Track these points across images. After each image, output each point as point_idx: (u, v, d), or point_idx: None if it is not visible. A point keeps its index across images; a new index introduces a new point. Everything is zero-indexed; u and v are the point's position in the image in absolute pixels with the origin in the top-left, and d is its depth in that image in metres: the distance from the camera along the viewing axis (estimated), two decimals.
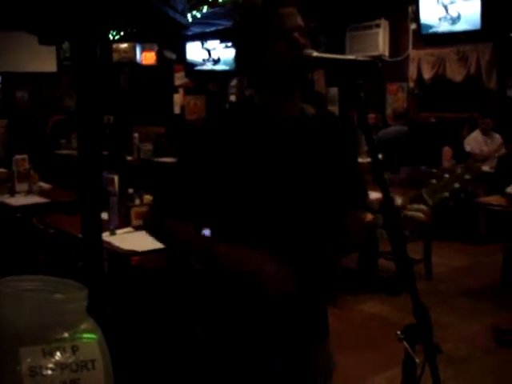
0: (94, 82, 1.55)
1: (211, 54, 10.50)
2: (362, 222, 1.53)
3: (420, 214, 1.38)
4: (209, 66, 10.59)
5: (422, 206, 1.38)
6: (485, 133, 6.82)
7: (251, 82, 1.53)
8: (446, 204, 1.40)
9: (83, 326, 0.96)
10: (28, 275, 1.03)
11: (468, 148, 6.83)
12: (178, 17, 1.52)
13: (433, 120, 7.92)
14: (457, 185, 1.41)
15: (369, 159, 1.25)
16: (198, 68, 10.69)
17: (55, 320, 0.93)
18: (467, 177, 1.43)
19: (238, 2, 7.35)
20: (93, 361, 0.92)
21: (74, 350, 0.91)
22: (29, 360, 0.88)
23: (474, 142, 6.85)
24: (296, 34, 1.40)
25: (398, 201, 1.40)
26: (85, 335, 0.94)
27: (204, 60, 10.54)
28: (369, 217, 1.52)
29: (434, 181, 1.41)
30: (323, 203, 1.52)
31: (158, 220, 1.51)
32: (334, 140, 1.56)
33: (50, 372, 0.88)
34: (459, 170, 1.42)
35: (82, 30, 1.40)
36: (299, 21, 1.44)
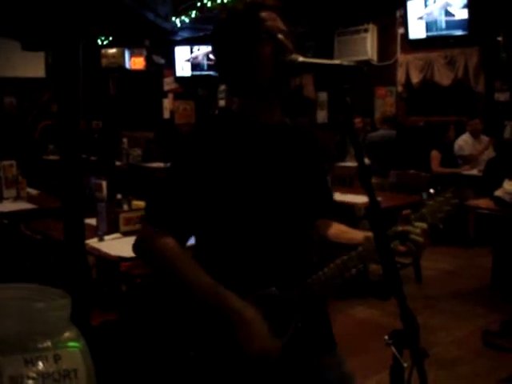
0: (75, 87, 1.54)
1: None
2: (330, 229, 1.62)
3: (420, 239, 1.44)
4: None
5: (424, 225, 1.45)
6: (475, 135, 6.84)
7: (233, 89, 1.53)
8: (438, 224, 1.48)
9: (66, 335, 0.94)
10: (11, 283, 1.02)
11: (459, 151, 6.83)
12: (160, 22, 1.51)
13: (421, 124, 7.96)
14: (447, 207, 1.49)
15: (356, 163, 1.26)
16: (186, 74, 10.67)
17: (37, 328, 0.91)
18: (454, 201, 1.50)
19: (226, 6, 7.36)
20: (75, 370, 0.90)
21: (57, 358, 0.89)
22: (10, 369, 0.86)
23: (465, 144, 6.85)
24: (280, 36, 1.41)
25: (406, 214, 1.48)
26: (68, 344, 0.93)
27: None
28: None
29: (431, 202, 1.48)
30: (302, 208, 1.55)
31: (157, 246, 1.42)
32: (309, 149, 1.63)
33: (31, 382, 0.86)
34: (448, 194, 1.50)
35: (63, 35, 1.38)
36: (281, 25, 1.45)
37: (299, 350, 1.47)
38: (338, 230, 1.64)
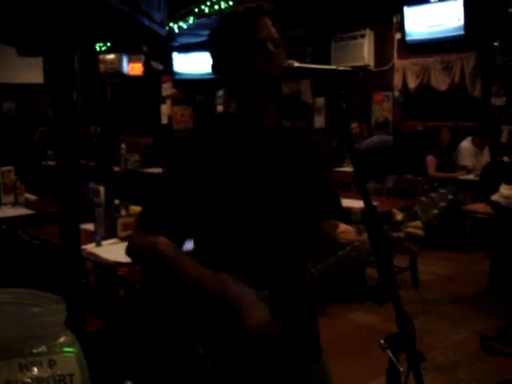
0: (70, 92, 1.54)
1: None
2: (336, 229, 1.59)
3: (420, 232, 1.42)
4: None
5: (419, 223, 1.43)
6: (480, 148, 6.86)
7: (230, 90, 1.55)
8: (433, 221, 1.46)
9: (61, 340, 0.94)
10: (6, 288, 1.02)
11: (463, 162, 6.80)
12: (155, 27, 1.53)
13: (420, 129, 7.97)
14: (443, 203, 1.46)
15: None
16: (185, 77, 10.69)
17: (32, 333, 0.91)
18: (450, 197, 1.48)
19: (223, 10, 7.38)
20: (71, 375, 0.90)
21: (52, 364, 0.89)
22: (5, 374, 0.86)
23: (468, 155, 6.84)
24: (270, 45, 1.44)
25: (398, 216, 1.45)
26: (63, 349, 0.93)
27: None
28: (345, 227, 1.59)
29: (424, 198, 1.47)
30: (302, 211, 1.56)
31: (148, 243, 1.43)
32: (308, 151, 1.63)
33: None
34: (443, 190, 1.48)
35: (58, 41, 1.39)
36: (274, 32, 1.48)
37: (283, 351, 1.46)
38: (344, 231, 1.61)
